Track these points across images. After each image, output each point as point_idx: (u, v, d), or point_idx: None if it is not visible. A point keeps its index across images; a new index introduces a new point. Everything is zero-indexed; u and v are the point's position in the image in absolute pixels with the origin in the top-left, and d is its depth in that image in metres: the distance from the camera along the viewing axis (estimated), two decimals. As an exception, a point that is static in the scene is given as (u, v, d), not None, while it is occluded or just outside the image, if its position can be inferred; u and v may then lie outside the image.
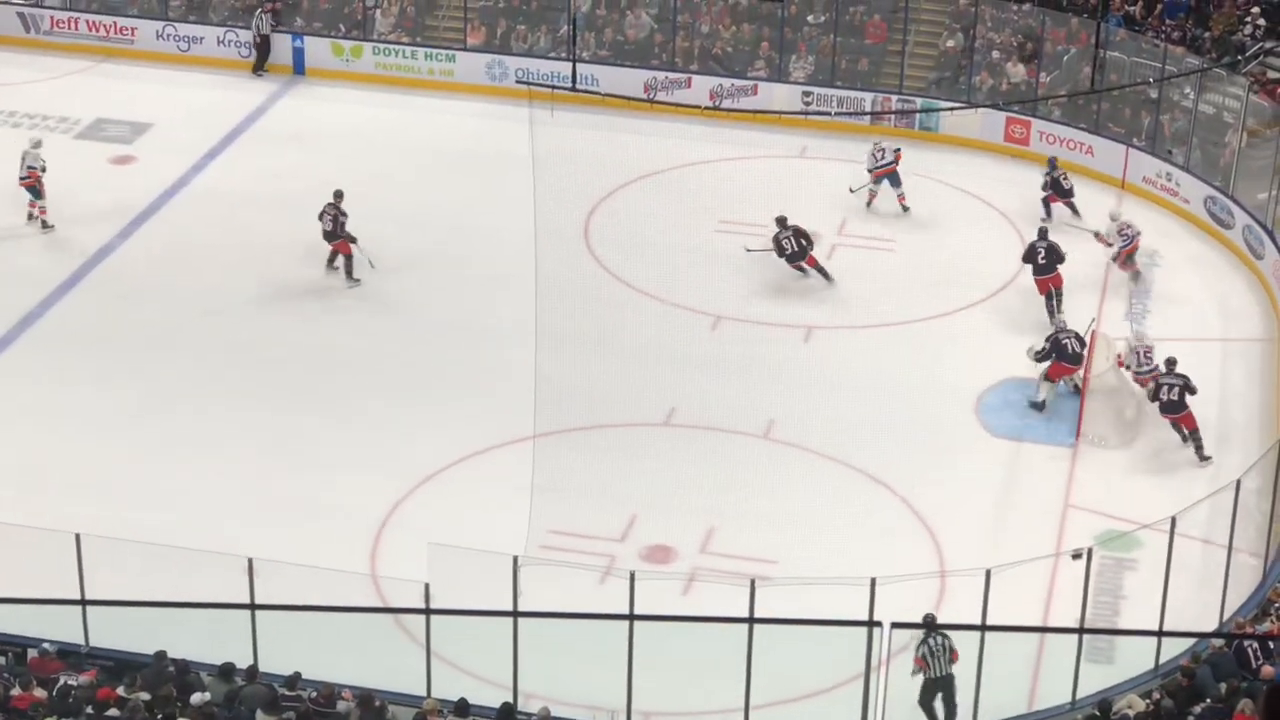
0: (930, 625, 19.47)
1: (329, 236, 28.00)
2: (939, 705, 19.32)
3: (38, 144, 29.82)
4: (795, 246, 27.63)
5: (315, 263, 28.28)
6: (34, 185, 29.30)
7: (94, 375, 25.50)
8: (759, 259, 28.02)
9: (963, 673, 18.93)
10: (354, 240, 27.85)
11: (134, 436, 24.12)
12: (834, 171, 31.15)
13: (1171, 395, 23.93)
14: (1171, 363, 24.29)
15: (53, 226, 29.31)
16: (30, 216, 29.37)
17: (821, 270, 27.90)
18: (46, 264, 28.38)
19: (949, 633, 19.40)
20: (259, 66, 35.22)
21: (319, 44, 35.31)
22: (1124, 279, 28.06)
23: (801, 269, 27.79)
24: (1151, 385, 24.21)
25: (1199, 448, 23.92)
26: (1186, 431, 23.97)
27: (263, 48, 35.22)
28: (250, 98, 34.18)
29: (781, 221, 27.65)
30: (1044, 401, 24.87)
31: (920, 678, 19.14)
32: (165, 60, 35.56)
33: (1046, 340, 24.98)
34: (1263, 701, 2.21)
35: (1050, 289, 26.88)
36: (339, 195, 28.05)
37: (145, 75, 35.13)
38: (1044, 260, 26.95)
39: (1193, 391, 23.92)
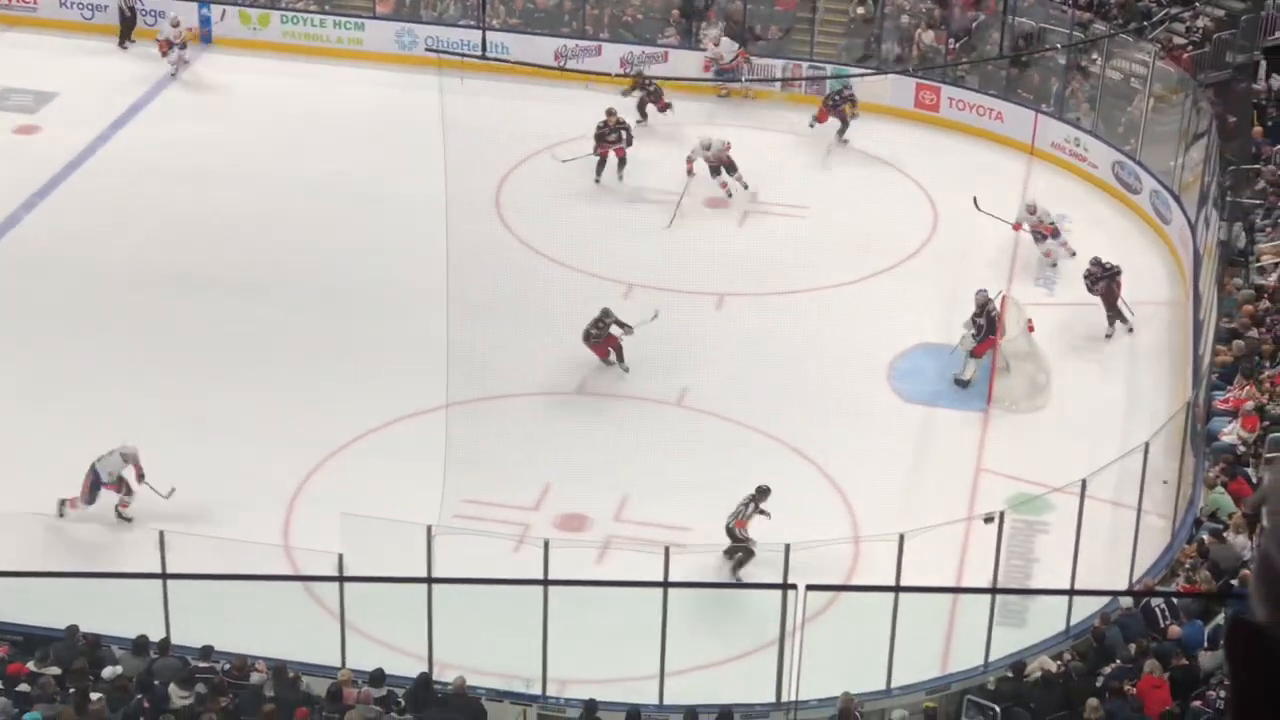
0: (762, 493, 21.19)
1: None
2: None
3: (176, 22, 33.59)
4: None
5: (224, 234, 28.08)
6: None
7: None
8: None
9: (878, 635, 19.05)
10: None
11: (40, 412, 23.85)
12: (744, 138, 31.18)
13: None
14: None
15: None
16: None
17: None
18: (-50, 236, 28.05)
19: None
20: (124, 39, 34.80)
21: (226, 12, 34.96)
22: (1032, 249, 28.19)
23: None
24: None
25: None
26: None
27: (129, 20, 34.81)
28: (157, 66, 33.80)
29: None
30: (970, 380, 24.82)
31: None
32: (69, 28, 35.09)
33: (978, 321, 24.81)
34: (1225, 636, 2.21)
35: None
36: (608, 313, 24.96)
37: (49, 44, 34.65)
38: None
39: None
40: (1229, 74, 30.71)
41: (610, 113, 29.79)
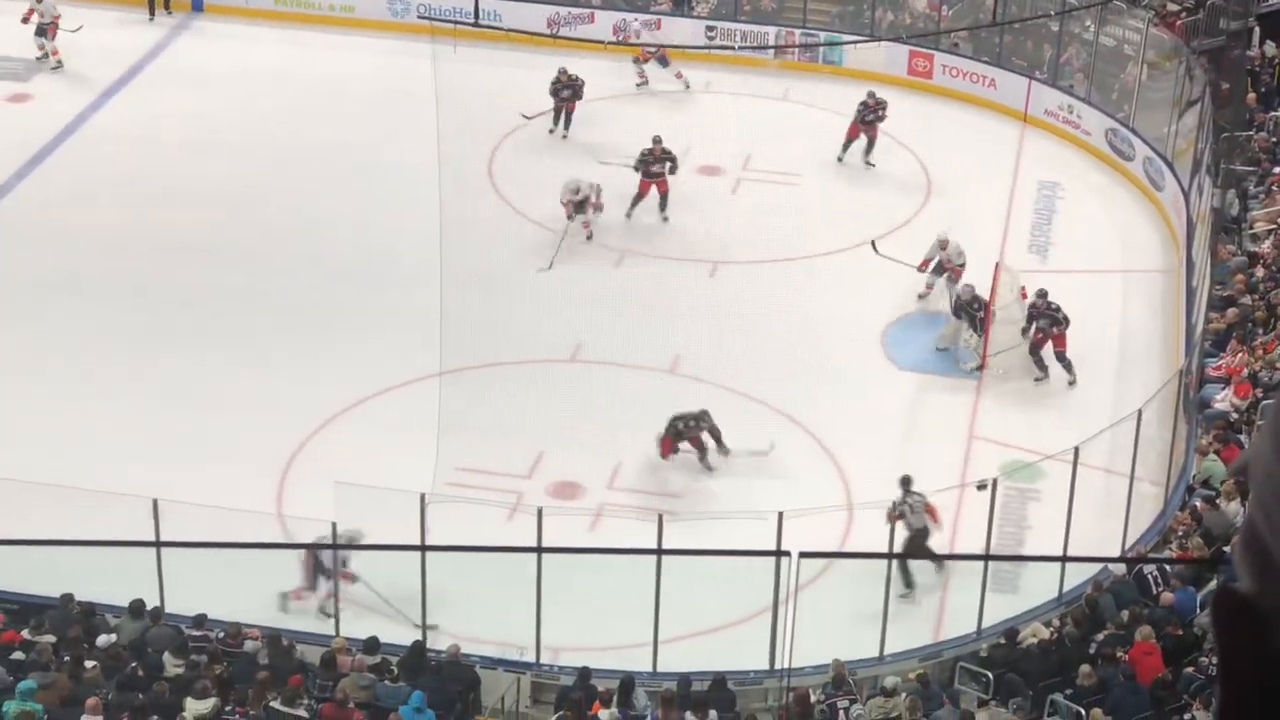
0: (906, 483, 20.09)
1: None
2: (912, 565, 20.03)
3: None
4: None
5: (217, 203, 28.04)
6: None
7: (-8, 317, 25.19)
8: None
9: (871, 604, 19.11)
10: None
11: (35, 380, 23.83)
12: (739, 106, 31.14)
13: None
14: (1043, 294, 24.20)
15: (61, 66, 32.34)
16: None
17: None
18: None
19: (922, 491, 20.04)
20: (159, 9, 34.50)
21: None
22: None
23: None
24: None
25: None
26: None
27: None
28: (148, 35, 33.73)
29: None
30: (980, 364, 24.60)
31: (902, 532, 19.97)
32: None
33: (978, 315, 24.43)
34: (1211, 605, 2.20)
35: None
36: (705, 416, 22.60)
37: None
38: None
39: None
40: (1222, 40, 30.67)
41: (656, 140, 27.59)
